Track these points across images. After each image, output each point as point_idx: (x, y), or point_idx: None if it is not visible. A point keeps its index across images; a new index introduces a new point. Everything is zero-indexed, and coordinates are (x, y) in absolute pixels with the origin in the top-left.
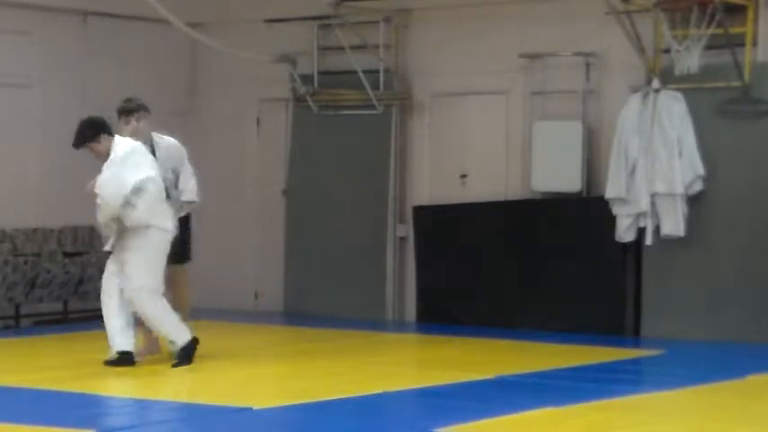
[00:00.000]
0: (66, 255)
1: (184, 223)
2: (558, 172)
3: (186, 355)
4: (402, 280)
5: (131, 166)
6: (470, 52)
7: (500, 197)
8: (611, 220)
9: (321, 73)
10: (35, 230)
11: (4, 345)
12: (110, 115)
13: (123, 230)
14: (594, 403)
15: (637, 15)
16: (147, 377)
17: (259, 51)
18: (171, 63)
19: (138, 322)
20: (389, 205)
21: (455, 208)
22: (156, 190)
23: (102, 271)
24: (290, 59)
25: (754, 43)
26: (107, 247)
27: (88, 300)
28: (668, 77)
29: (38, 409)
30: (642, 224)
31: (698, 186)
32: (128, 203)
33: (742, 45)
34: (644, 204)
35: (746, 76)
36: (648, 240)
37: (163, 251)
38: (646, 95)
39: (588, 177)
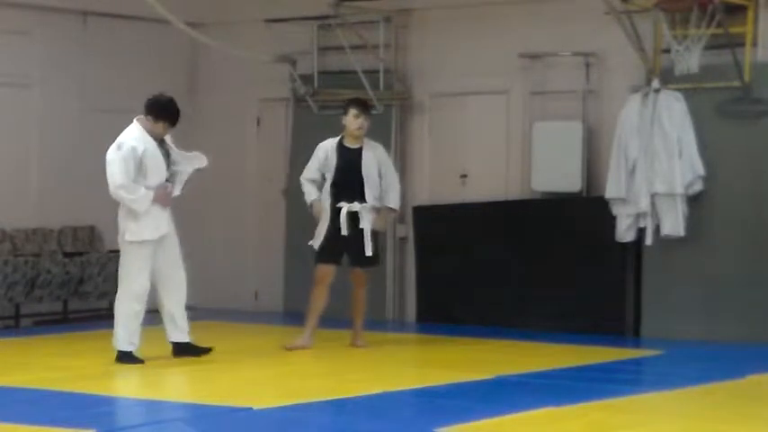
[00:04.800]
0: (66, 255)
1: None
2: (558, 172)
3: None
4: (402, 280)
5: None
6: (470, 52)
7: (500, 197)
8: (611, 220)
9: (321, 73)
10: (35, 230)
11: (4, 345)
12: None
13: None
14: (594, 403)
15: (637, 15)
16: (147, 377)
17: (259, 51)
18: (171, 63)
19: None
20: None
21: (455, 208)
22: None
23: (101, 271)
24: (290, 59)
25: (754, 43)
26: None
27: (88, 300)
28: (668, 77)
29: (38, 409)
30: (642, 224)
31: (698, 186)
32: None
33: (742, 45)
34: (644, 204)
35: (746, 76)
36: (648, 240)
37: None
38: (646, 95)
39: (588, 177)
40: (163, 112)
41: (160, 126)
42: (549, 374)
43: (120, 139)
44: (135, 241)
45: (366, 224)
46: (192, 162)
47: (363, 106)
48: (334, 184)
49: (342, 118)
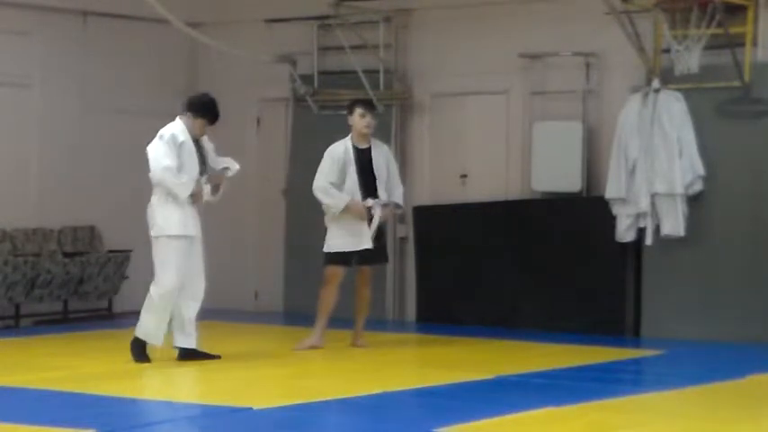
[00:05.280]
0: (66, 255)
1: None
2: (558, 172)
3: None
4: (402, 280)
5: None
6: (470, 52)
7: (500, 197)
8: (612, 220)
9: (321, 73)
10: (35, 230)
11: (4, 345)
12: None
13: None
14: (594, 403)
15: (637, 15)
16: (147, 377)
17: (259, 51)
18: (171, 63)
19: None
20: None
21: (455, 208)
22: None
23: (101, 271)
24: (290, 59)
25: (754, 43)
26: None
27: (88, 300)
28: (668, 77)
29: (38, 409)
30: (642, 224)
31: (698, 186)
32: None
33: (742, 45)
34: (644, 204)
35: (746, 76)
36: (648, 240)
37: None
38: (646, 95)
39: (588, 177)
40: (202, 108)
41: (199, 123)
42: (549, 374)
43: (161, 131)
44: (161, 236)
45: (376, 218)
46: (221, 163)
47: (369, 105)
48: (349, 186)
49: (348, 118)
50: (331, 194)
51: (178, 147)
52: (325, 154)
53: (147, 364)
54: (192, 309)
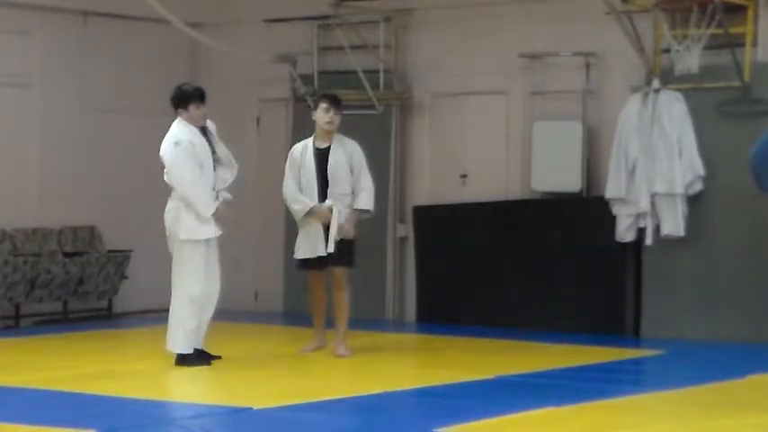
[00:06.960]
0: (66, 255)
1: None
2: (558, 172)
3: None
4: (402, 280)
5: None
6: (470, 52)
7: (500, 197)
8: (611, 220)
9: (321, 73)
10: (35, 230)
11: (4, 345)
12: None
13: None
14: (594, 403)
15: (637, 15)
16: (147, 377)
17: (259, 51)
18: (171, 63)
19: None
20: (389, 205)
21: (455, 208)
22: None
23: (101, 271)
24: (290, 59)
25: (754, 43)
26: None
27: (88, 300)
28: (668, 77)
29: (38, 409)
30: (642, 224)
31: (698, 186)
32: None
33: (742, 45)
34: (644, 204)
35: (746, 76)
36: (648, 240)
37: None
38: (646, 95)
39: (588, 177)
40: (185, 96)
41: (194, 111)
42: (549, 374)
43: (174, 136)
44: (191, 240)
45: (334, 223)
46: (224, 172)
47: (335, 101)
48: (305, 188)
49: (312, 114)
50: (297, 200)
51: (195, 152)
52: (288, 155)
53: (146, 365)
54: (207, 315)
